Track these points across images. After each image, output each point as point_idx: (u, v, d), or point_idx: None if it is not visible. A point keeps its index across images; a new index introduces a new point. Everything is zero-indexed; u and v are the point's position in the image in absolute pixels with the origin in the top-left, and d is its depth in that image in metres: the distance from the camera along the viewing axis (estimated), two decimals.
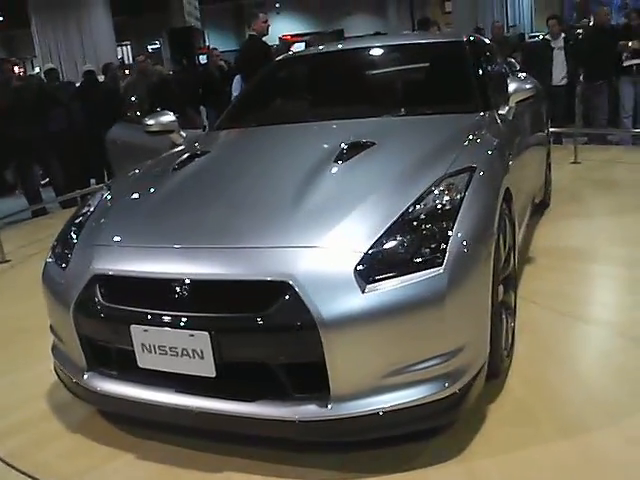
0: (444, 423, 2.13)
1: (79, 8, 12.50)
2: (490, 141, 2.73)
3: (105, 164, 7.31)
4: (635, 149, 7.80)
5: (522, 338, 2.82)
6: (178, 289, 2.06)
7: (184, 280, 2.06)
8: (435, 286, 1.93)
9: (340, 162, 2.49)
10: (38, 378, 2.83)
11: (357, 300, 1.90)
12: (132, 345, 2.11)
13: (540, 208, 4.76)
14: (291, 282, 1.92)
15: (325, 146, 2.67)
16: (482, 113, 3.02)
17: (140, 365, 2.14)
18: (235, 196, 2.42)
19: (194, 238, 2.19)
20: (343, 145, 2.61)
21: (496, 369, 2.41)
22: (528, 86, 3.25)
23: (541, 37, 9.76)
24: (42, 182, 8.19)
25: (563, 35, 8.29)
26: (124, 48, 13.84)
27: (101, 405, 2.40)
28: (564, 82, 8.15)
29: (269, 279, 1.96)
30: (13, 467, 2.28)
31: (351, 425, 1.97)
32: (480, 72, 3.29)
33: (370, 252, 1.98)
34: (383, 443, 2.12)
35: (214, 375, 2.01)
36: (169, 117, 3.56)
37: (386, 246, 2.00)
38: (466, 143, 2.60)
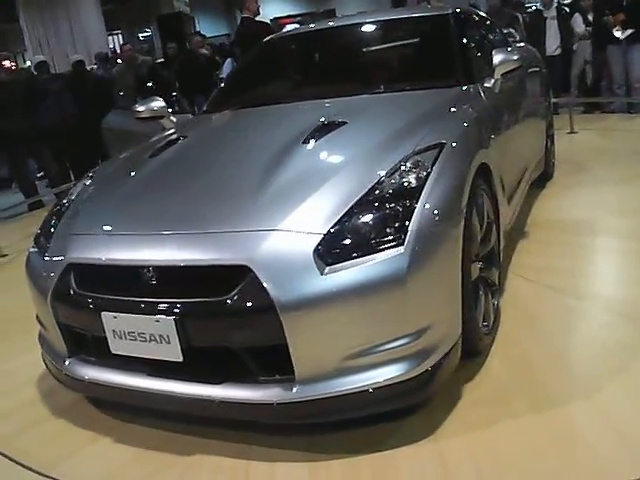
0: (412, 403, 2.11)
1: None
2: (467, 115, 2.67)
3: (100, 153, 7.32)
4: (631, 117, 7.58)
5: (508, 315, 2.78)
6: (144, 276, 2.09)
7: (149, 267, 2.08)
8: (396, 267, 1.90)
9: (308, 143, 2.46)
10: (28, 366, 2.89)
11: (316, 282, 1.89)
12: (104, 332, 2.14)
13: (542, 180, 4.67)
14: (250, 266, 1.92)
15: (297, 127, 2.63)
16: (464, 87, 2.95)
17: (113, 351, 2.17)
18: (203, 181, 2.41)
19: (159, 224, 2.20)
20: (315, 126, 2.58)
21: (474, 348, 2.39)
22: (515, 57, 3.16)
23: (534, 8, 9.70)
24: (38, 175, 8.22)
25: (555, 4, 8.14)
26: (115, 37, 13.71)
27: (82, 391, 2.45)
28: (558, 52, 8.07)
29: (228, 263, 1.96)
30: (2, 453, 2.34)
31: (317, 407, 1.97)
32: (463, 46, 3.20)
33: (330, 233, 1.96)
34: (354, 424, 2.12)
35: (181, 359, 2.03)
36: (159, 103, 3.56)
37: (347, 227, 1.97)
38: (439, 118, 2.55)
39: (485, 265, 2.56)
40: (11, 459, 2.29)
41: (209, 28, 17.54)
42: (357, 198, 2.04)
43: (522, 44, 4.33)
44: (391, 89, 3.09)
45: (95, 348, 2.30)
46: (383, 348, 1.95)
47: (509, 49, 3.38)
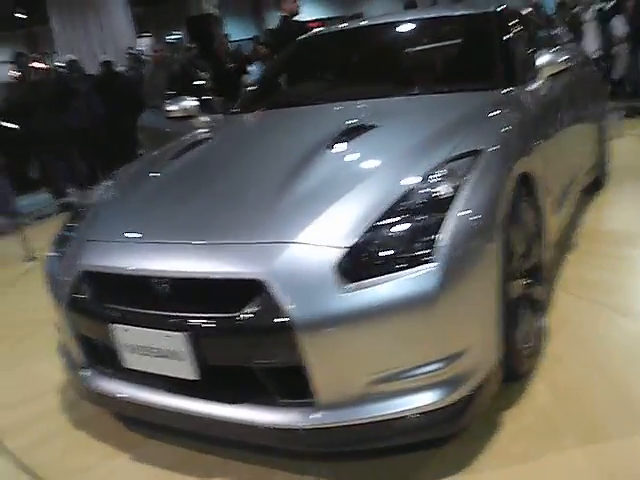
0: (443, 435, 1.94)
1: (97, 1, 12.46)
2: (508, 121, 2.47)
3: (131, 153, 7.27)
4: None
5: (556, 335, 2.57)
6: (155, 287, 1.97)
7: (160, 278, 1.96)
8: (425, 285, 1.74)
9: (334, 148, 2.32)
10: (53, 371, 2.79)
11: (337, 300, 1.74)
12: (116, 345, 2.05)
13: (593, 189, 4.39)
14: (265, 280, 1.79)
15: (324, 130, 2.49)
16: (505, 90, 2.75)
17: (125, 365, 2.07)
18: (221, 187, 2.29)
19: (172, 233, 2.09)
20: (342, 129, 2.44)
21: (515, 372, 2.20)
22: (562, 58, 2.96)
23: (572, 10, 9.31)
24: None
25: (595, 7, 7.84)
26: (144, 39, 13.79)
27: (99, 404, 2.35)
28: (597, 54, 7.73)
29: (242, 277, 1.83)
30: (19, 462, 2.28)
31: (337, 435, 1.82)
32: (506, 46, 2.98)
33: (353, 247, 1.80)
34: (384, 451, 1.96)
35: (196, 378, 1.92)
36: (190, 102, 3.50)
37: (372, 240, 1.82)
38: (477, 124, 2.37)
39: (528, 281, 2.37)
40: (27, 471, 2.23)
41: (236, 31, 17.54)
42: (384, 209, 1.88)
43: (572, 44, 4.07)
44: (427, 91, 2.91)
45: (110, 360, 2.19)
46: (412, 374, 1.79)
47: (556, 49, 3.15)
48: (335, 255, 1.79)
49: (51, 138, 6.91)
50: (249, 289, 1.81)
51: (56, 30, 12.50)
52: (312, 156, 2.27)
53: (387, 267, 1.77)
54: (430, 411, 1.80)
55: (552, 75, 2.95)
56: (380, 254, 1.80)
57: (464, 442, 1.99)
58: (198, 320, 1.87)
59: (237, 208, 2.12)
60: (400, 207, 1.89)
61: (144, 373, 2.06)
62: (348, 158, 2.27)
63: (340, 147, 2.33)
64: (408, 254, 1.78)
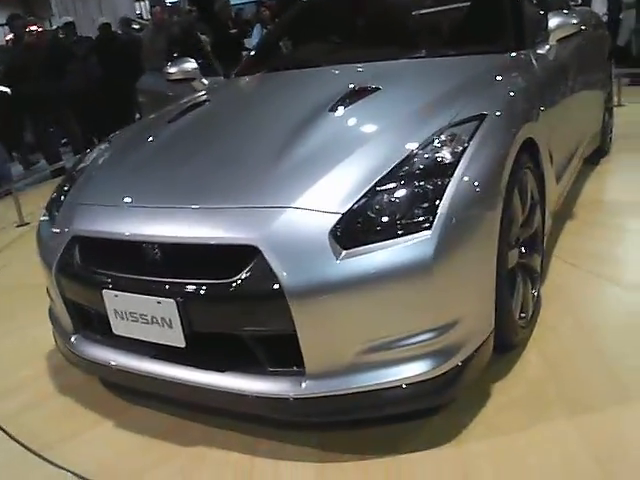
0: (435, 405, 1.91)
1: None
2: (514, 85, 2.39)
3: (129, 117, 7.10)
4: None
5: (551, 305, 2.54)
6: (147, 252, 1.93)
7: (151, 243, 1.91)
8: (421, 252, 1.68)
9: (336, 111, 2.24)
10: (45, 336, 2.73)
11: (331, 267, 1.69)
12: (106, 310, 2.00)
13: (596, 157, 4.31)
14: (258, 246, 1.73)
15: (326, 93, 2.40)
16: (514, 53, 2.66)
17: (114, 331, 2.03)
18: (218, 151, 2.23)
19: (166, 197, 2.03)
20: (345, 91, 2.35)
21: (509, 342, 2.17)
22: (573, 21, 2.85)
23: None
24: (62, 141, 7.94)
25: None
26: (141, 3, 13.28)
27: (87, 370, 2.32)
28: (604, 20, 7.46)
29: (235, 243, 1.78)
30: (3, 430, 2.25)
31: (327, 405, 1.79)
32: (515, 7, 2.87)
33: (349, 213, 1.75)
34: (371, 422, 1.94)
35: (185, 345, 1.87)
36: (191, 64, 3.41)
37: (368, 206, 1.75)
38: (482, 87, 2.29)
39: (526, 250, 2.32)
40: (12, 437, 2.20)
41: None
42: (383, 174, 1.82)
43: (584, 7, 3.94)
44: (433, 54, 2.81)
45: (99, 326, 2.16)
46: (403, 343, 1.75)
47: (567, 12, 3.04)
48: (330, 221, 1.74)
49: (46, 102, 6.70)
50: (242, 255, 1.76)
51: None
52: (312, 119, 2.19)
53: (382, 234, 1.71)
54: (420, 381, 1.76)
55: (563, 38, 2.85)
56: (376, 220, 1.74)
57: (453, 413, 1.96)
58: (189, 286, 1.82)
59: (234, 172, 2.05)
60: (399, 172, 1.82)
61: (132, 340, 2.02)
62: (349, 121, 2.19)
63: (341, 110, 2.25)
64: (404, 221, 1.73)
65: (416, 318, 1.74)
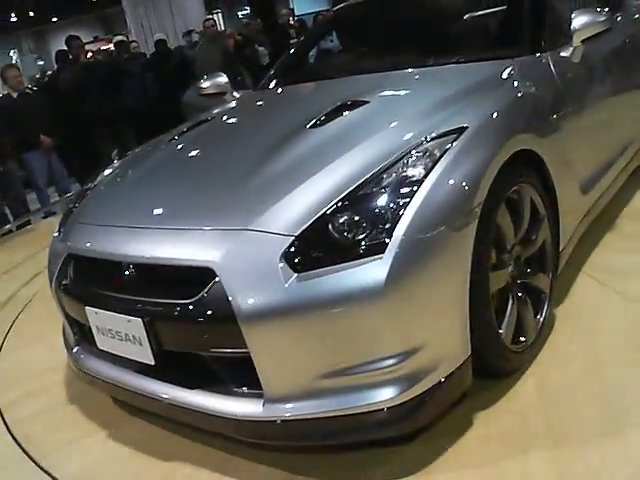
0: (396, 435, 1.82)
1: None
2: (512, 94, 2.25)
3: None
4: None
5: (565, 327, 2.36)
6: (121, 271, 1.97)
7: (124, 262, 1.96)
8: (373, 277, 1.62)
9: (315, 127, 2.19)
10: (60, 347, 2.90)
11: (280, 291, 1.66)
12: (90, 326, 2.08)
13: None
14: (213, 268, 1.73)
15: (313, 108, 2.36)
16: (525, 57, 2.51)
17: (99, 346, 2.10)
18: (202, 170, 2.25)
19: (144, 218, 2.07)
20: (332, 106, 2.30)
21: (496, 369, 2.05)
22: (601, 19, 2.65)
23: None
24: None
25: None
26: (215, 16, 13.58)
27: (87, 381, 2.39)
28: None
29: (192, 265, 1.79)
30: (12, 435, 2.38)
31: (284, 429, 1.76)
32: (532, 9, 2.69)
33: (302, 235, 1.71)
34: (344, 447, 1.89)
35: (153, 363, 1.90)
36: (222, 79, 3.47)
37: (323, 228, 1.71)
38: (474, 98, 2.16)
39: (530, 269, 2.19)
40: (17, 443, 2.32)
41: (305, 4, 16.98)
42: (343, 194, 1.77)
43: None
44: (436, 62, 2.68)
45: (92, 340, 2.23)
46: (366, 369, 1.69)
47: (597, 10, 2.82)
48: (282, 243, 1.71)
49: (104, 120, 6.94)
50: (202, 276, 1.76)
51: (128, 10, 12.71)
52: (289, 136, 2.17)
53: (336, 257, 1.66)
54: (381, 409, 1.69)
55: (589, 38, 2.66)
56: (330, 243, 1.69)
57: (431, 440, 1.87)
58: (153, 306, 1.85)
59: (211, 192, 2.07)
60: (360, 192, 1.77)
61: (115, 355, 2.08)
62: (324, 139, 2.13)
63: (321, 126, 2.20)
64: (360, 244, 1.67)
65: (374, 344, 1.68)
